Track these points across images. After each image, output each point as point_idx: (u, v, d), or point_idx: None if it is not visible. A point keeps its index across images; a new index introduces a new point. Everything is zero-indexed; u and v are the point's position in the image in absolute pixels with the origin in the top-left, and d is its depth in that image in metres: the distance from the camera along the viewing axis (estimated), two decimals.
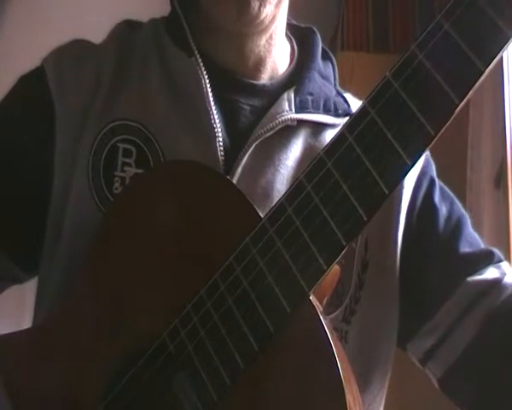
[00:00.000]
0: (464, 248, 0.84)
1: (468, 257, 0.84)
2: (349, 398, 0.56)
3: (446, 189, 0.89)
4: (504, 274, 0.83)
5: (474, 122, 1.78)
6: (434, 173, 0.88)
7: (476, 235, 0.87)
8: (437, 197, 0.86)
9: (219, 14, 0.80)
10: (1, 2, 1.76)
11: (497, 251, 0.86)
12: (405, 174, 0.58)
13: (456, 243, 0.84)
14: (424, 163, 0.87)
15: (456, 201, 0.88)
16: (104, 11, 1.54)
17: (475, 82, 0.56)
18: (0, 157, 0.83)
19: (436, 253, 0.85)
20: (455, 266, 0.84)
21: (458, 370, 0.82)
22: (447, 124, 0.56)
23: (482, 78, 0.56)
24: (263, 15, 0.78)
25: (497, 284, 0.81)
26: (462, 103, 0.56)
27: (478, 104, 1.75)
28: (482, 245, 0.86)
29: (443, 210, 0.86)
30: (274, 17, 0.82)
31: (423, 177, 0.86)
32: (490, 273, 0.83)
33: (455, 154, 1.72)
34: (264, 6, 0.78)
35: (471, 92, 0.56)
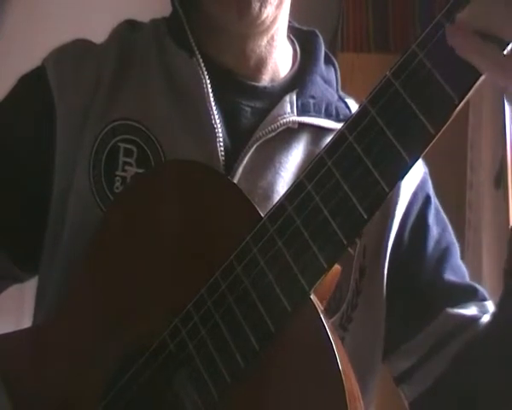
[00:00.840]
0: (449, 276, 0.84)
1: (452, 287, 0.84)
2: (350, 397, 0.56)
3: (442, 213, 0.88)
4: (484, 313, 0.83)
5: (473, 123, 1.78)
6: (431, 191, 0.88)
7: (463, 267, 0.87)
8: (431, 217, 0.86)
9: (220, 15, 0.80)
10: (1, 2, 1.76)
11: (481, 289, 0.86)
12: (405, 173, 0.58)
13: (442, 269, 0.85)
14: (422, 179, 0.87)
15: (449, 227, 0.88)
16: (105, 11, 1.54)
17: (476, 81, 0.56)
18: (0, 157, 0.83)
19: (421, 272, 0.85)
20: (437, 293, 0.84)
21: (427, 399, 0.83)
22: (447, 123, 0.57)
23: (483, 77, 0.56)
24: (264, 16, 0.78)
25: (474, 321, 0.82)
26: (463, 103, 0.56)
27: (477, 105, 1.75)
28: (467, 278, 0.86)
29: (434, 232, 0.85)
30: (275, 18, 0.82)
31: (420, 192, 0.86)
32: (470, 310, 0.83)
33: (455, 154, 1.72)
34: (265, 6, 0.78)
35: (471, 92, 0.56)
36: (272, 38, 0.84)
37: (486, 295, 0.85)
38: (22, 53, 1.45)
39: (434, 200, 0.88)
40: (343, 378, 0.56)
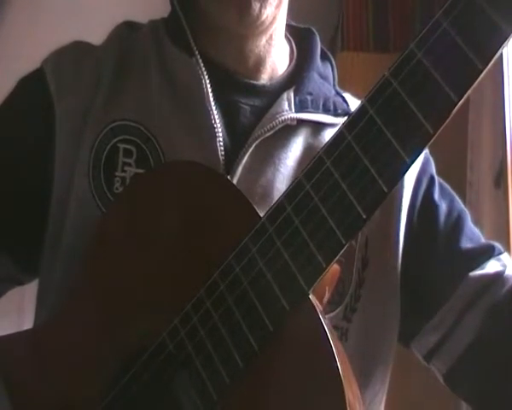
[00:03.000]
0: (465, 243, 0.85)
1: (470, 252, 0.84)
2: (349, 395, 0.56)
3: (446, 185, 0.89)
4: (505, 266, 0.83)
5: (473, 122, 1.78)
6: (434, 171, 0.89)
7: (476, 230, 0.87)
8: (437, 194, 0.87)
9: (220, 15, 0.81)
10: (1, 2, 1.76)
11: (497, 244, 0.86)
12: (404, 172, 0.58)
13: (457, 239, 0.85)
14: (424, 161, 0.87)
15: (456, 197, 0.89)
16: (104, 12, 1.54)
17: (474, 80, 0.56)
18: (0, 159, 0.83)
19: (437, 250, 0.85)
20: (456, 262, 0.84)
21: (463, 364, 0.82)
22: (446, 122, 0.57)
23: (481, 76, 0.56)
24: (264, 17, 0.79)
25: (498, 277, 0.82)
26: (461, 102, 0.56)
27: (477, 104, 1.74)
28: (483, 240, 0.87)
29: (443, 207, 0.86)
30: (274, 18, 0.82)
31: (423, 175, 0.86)
32: (491, 267, 0.83)
33: (455, 154, 1.72)
34: (265, 7, 0.78)
35: (470, 90, 0.56)
36: (271, 37, 0.84)
37: (501, 248, 0.86)
38: (22, 53, 1.45)
39: (437, 177, 0.88)
40: (342, 378, 0.56)
